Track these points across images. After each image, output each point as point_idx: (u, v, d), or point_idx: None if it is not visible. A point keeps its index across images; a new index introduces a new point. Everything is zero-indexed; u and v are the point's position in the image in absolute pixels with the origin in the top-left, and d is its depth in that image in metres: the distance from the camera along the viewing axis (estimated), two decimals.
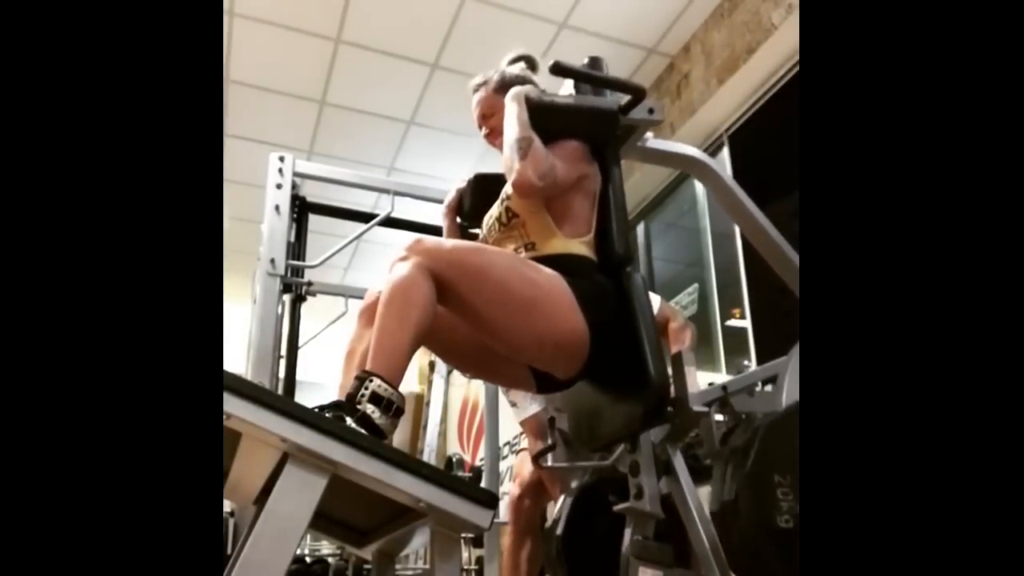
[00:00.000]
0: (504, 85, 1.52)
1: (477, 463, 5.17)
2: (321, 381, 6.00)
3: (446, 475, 1.00)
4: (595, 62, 1.48)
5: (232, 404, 0.86)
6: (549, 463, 1.89)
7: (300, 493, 0.88)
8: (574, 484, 1.85)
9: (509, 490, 2.56)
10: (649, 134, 1.53)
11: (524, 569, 2.30)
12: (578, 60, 1.48)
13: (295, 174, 2.61)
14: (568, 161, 1.38)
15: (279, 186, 2.54)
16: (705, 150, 3.61)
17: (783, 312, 2.82)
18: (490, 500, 0.98)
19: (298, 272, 2.82)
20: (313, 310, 3.01)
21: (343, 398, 1.09)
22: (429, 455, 4.10)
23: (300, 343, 2.94)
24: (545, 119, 1.39)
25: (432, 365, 4.45)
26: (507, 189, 1.43)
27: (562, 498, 1.85)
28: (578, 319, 1.24)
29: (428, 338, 1.23)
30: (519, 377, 1.40)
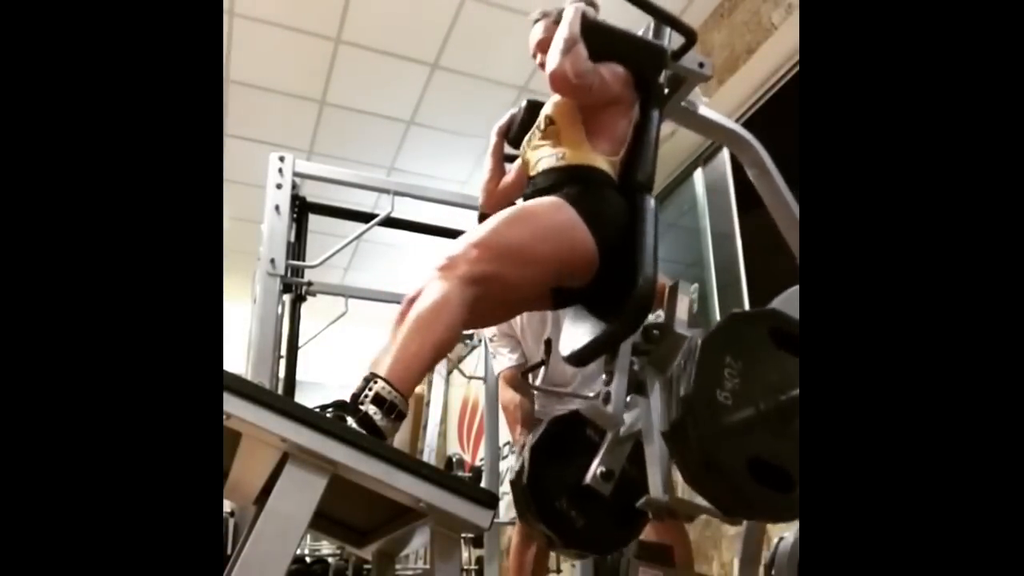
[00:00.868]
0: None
1: (477, 463, 5.17)
2: (321, 381, 6.00)
3: (446, 475, 1.00)
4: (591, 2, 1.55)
5: (232, 404, 0.86)
6: (539, 381, 1.89)
7: (300, 493, 0.88)
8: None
9: (509, 490, 2.56)
10: (704, 99, 1.57)
11: (528, 569, 2.30)
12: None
13: (295, 174, 2.61)
14: (608, 78, 1.45)
15: (279, 186, 2.54)
16: (705, 150, 3.62)
17: None
18: (490, 500, 0.98)
19: (298, 272, 2.82)
20: (313, 310, 3.01)
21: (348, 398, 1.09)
22: (429, 455, 4.10)
23: (300, 343, 2.94)
24: (597, 39, 1.45)
25: None
26: (549, 100, 1.52)
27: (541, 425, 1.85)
28: (588, 239, 1.32)
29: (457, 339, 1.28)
30: (541, 301, 1.47)
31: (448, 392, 6.11)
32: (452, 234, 3.20)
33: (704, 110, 1.63)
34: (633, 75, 1.49)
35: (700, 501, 1.22)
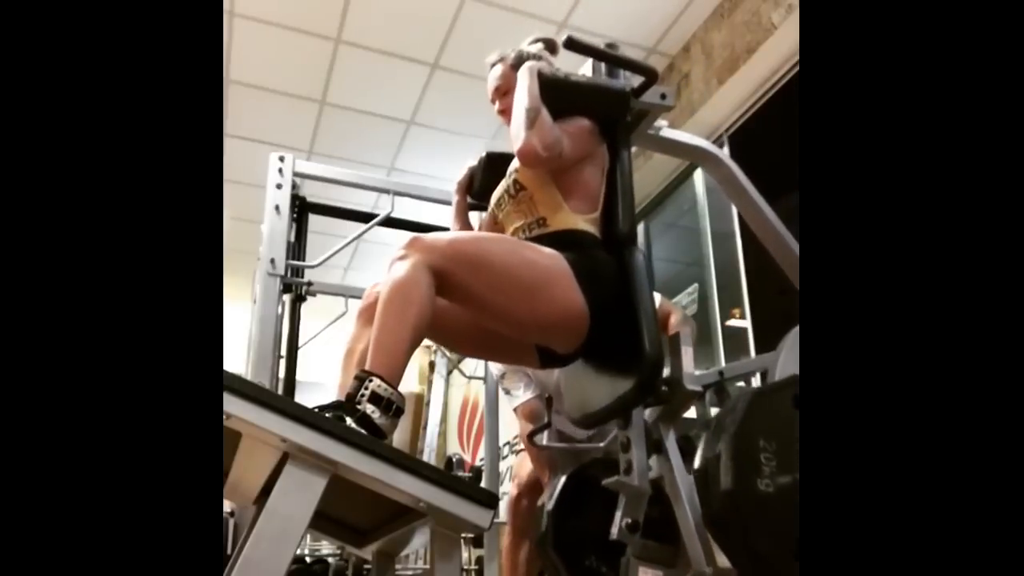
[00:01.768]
0: (521, 62, 1.53)
1: (477, 463, 5.17)
2: (321, 381, 5.99)
3: (446, 475, 1.00)
4: (611, 47, 1.49)
5: (232, 404, 0.86)
6: (544, 442, 1.88)
7: (300, 493, 0.88)
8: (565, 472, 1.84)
9: (508, 490, 2.56)
10: (663, 122, 1.54)
11: (522, 570, 2.30)
12: (578, 61, 1.48)
13: (295, 174, 2.61)
14: (576, 137, 1.40)
15: (279, 186, 2.54)
16: None
17: (783, 312, 2.81)
18: (490, 500, 0.98)
19: (298, 272, 2.82)
20: (313, 310, 3.01)
21: (343, 398, 1.09)
22: (429, 455, 4.11)
23: (300, 343, 2.94)
24: (556, 95, 1.41)
25: (432, 365, 4.45)
26: (515, 162, 1.45)
27: (557, 480, 1.85)
28: (577, 296, 1.26)
29: (430, 329, 1.24)
30: (522, 354, 1.43)
31: (448, 392, 6.11)
32: None
33: (669, 132, 1.59)
34: (598, 123, 1.45)
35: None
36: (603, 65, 1.53)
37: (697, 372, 1.36)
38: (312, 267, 2.76)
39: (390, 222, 2.86)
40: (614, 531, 1.34)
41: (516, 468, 2.64)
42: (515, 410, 2.47)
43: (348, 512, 1.34)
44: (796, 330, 1.62)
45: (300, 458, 0.89)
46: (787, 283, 1.66)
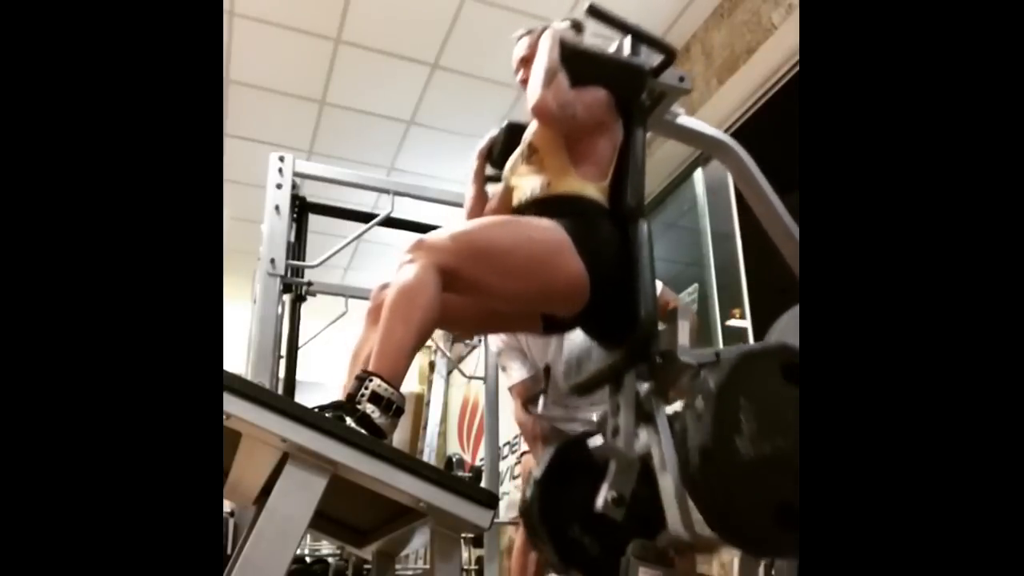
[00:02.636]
0: None
1: (477, 463, 5.17)
2: (321, 381, 5.99)
3: (446, 475, 1.00)
4: (577, 26, 1.55)
5: (232, 404, 0.86)
6: (540, 409, 1.89)
7: (300, 493, 0.88)
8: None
9: (509, 490, 2.56)
10: (680, 109, 1.56)
11: (532, 570, 2.30)
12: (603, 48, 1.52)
13: (295, 174, 2.61)
14: (591, 104, 1.43)
15: (279, 186, 2.54)
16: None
17: (783, 312, 2.81)
18: (490, 500, 0.98)
19: (298, 272, 2.82)
20: (313, 310, 3.01)
21: (344, 398, 1.09)
22: (429, 455, 4.11)
23: (300, 343, 2.94)
24: (576, 64, 1.44)
25: (432, 365, 4.45)
26: (530, 128, 1.49)
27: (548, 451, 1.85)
28: (577, 263, 1.29)
29: (437, 326, 1.26)
30: (527, 323, 1.46)
31: (448, 392, 6.11)
32: None
33: (686, 119, 1.61)
34: (615, 97, 1.47)
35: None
36: (626, 48, 1.56)
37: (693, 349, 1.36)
38: (312, 267, 2.76)
39: (390, 222, 2.86)
40: (599, 503, 1.35)
41: (524, 468, 2.65)
42: (509, 389, 2.49)
43: (348, 512, 1.34)
44: (794, 309, 1.61)
45: (300, 458, 0.89)
46: (787, 282, 1.66)
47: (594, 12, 1.37)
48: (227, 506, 2.26)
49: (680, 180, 3.85)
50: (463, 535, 1.25)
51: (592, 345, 1.40)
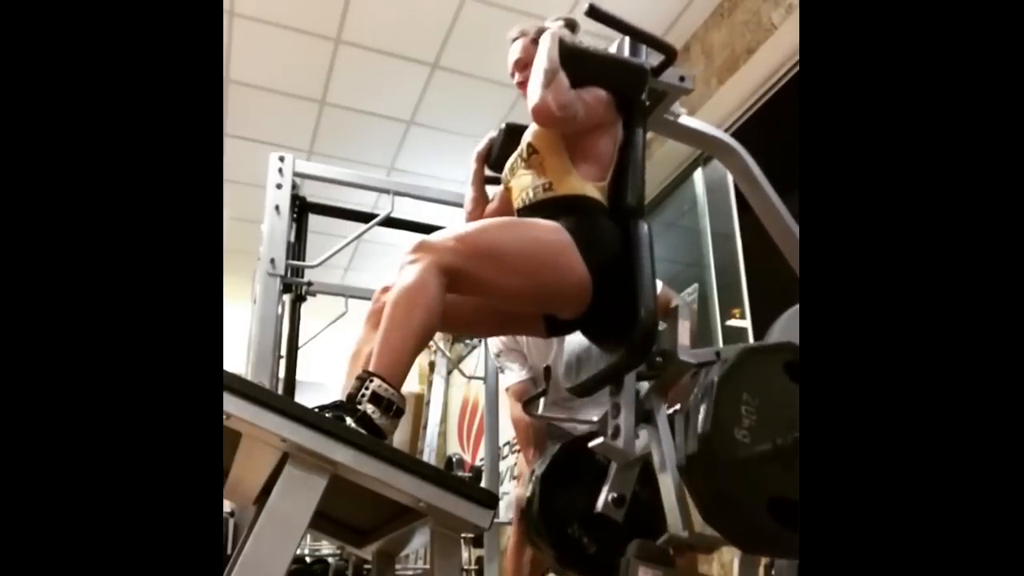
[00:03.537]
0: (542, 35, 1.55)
1: (477, 463, 5.17)
2: (321, 381, 5.99)
3: (446, 475, 1.00)
4: (571, 24, 1.55)
5: (232, 404, 0.86)
6: (540, 411, 1.89)
7: (300, 493, 0.88)
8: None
9: (510, 490, 2.56)
10: (682, 109, 1.56)
11: (526, 571, 2.30)
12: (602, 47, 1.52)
13: (295, 174, 2.61)
14: (591, 104, 1.43)
15: (279, 186, 2.54)
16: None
17: (783, 312, 2.81)
18: (490, 500, 0.98)
19: (298, 272, 2.82)
20: (313, 310, 3.01)
21: (344, 398, 1.09)
22: (429, 455, 4.10)
23: (300, 343, 2.93)
24: (576, 64, 1.43)
25: (432, 365, 4.45)
26: (530, 129, 1.49)
27: (552, 448, 1.85)
28: (580, 264, 1.29)
29: (440, 327, 1.26)
30: (530, 324, 1.45)
31: (448, 392, 6.10)
32: None
33: (687, 119, 1.61)
34: (615, 96, 1.47)
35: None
36: (626, 48, 1.56)
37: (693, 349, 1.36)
38: (312, 267, 2.76)
39: (390, 222, 2.86)
40: (599, 504, 1.35)
41: (520, 468, 2.65)
42: (506, 390, 2.49)
43: (348, 512, 1.34)
44: (794, 308, 1.61)
45: (300, 458, 0.89)
46: (788, 282, 1.66)
47: (594, 12, 1.37)
48: (227, 506, 2.26)
49: (680, 180, 3.85)
50: (463, 535, 1.25)
51: (591, 350, 1.40)
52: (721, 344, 3.39)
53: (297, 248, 2.87)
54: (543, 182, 1.42)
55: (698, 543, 1.25)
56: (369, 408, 1.05)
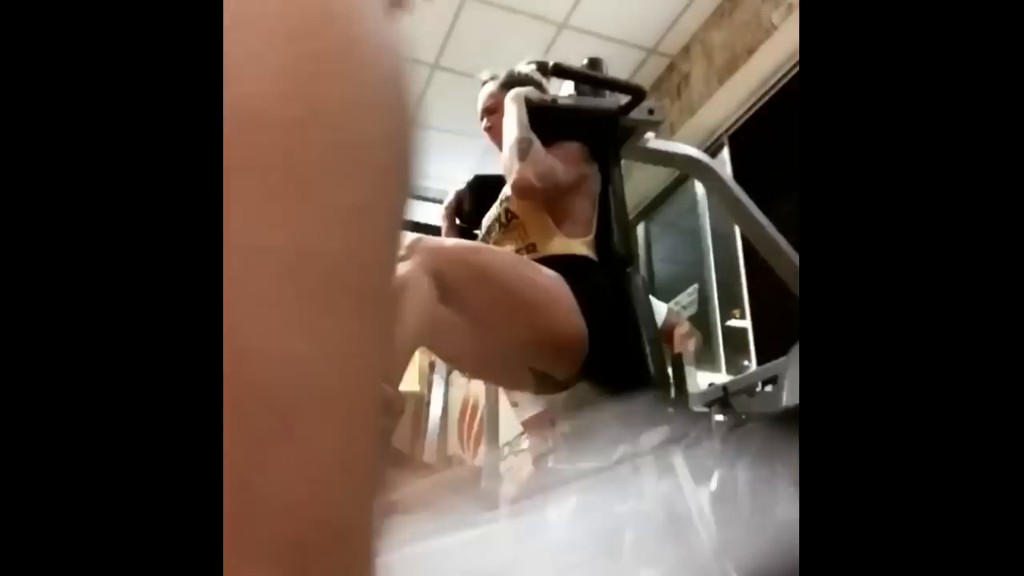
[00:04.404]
0: (511, 83, 1.53)
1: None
2: None
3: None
4: (594, 63, 1.49)
5: None
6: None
7: None
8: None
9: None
10: (650, 134, 1.55)
11: None
12: (578, 60, 1.49)
13: None
14: (568, 163, 1.40)
15: None
16: (705, 151, 3.61)
17: (783, 312, 2.82)
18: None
19: None
20: None
21: None
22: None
23: None
24: (545, 121, 1.41)
25: (432, 365, 4.45)
26: (506, 190, 1.44)
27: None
28: (577, 321, 1.25)
29: (428, 339, 1.23)
30: (518, 377, 1.41)
31: (448, 392, 6.09)
32: None
33: (656, 143, 1.60)
34: (588, 145, 1.45)
35: None
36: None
37: (700, 390, 1.36)
38: None
39: None
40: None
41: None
42: (523, 424, 2.48)
43: None
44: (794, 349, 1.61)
45: None
46: (787, 285, 1.66)
47: (558, 72, 1.36)
48: None
49: (680, 180, 3.85)
50: None
51: (601, 398, 1.38)
52: (722, 344, 3.39)
53: None
54: (526, 244, 1.39)
55: None
56: None
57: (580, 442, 1.49)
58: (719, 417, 1.54)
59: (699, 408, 1.29)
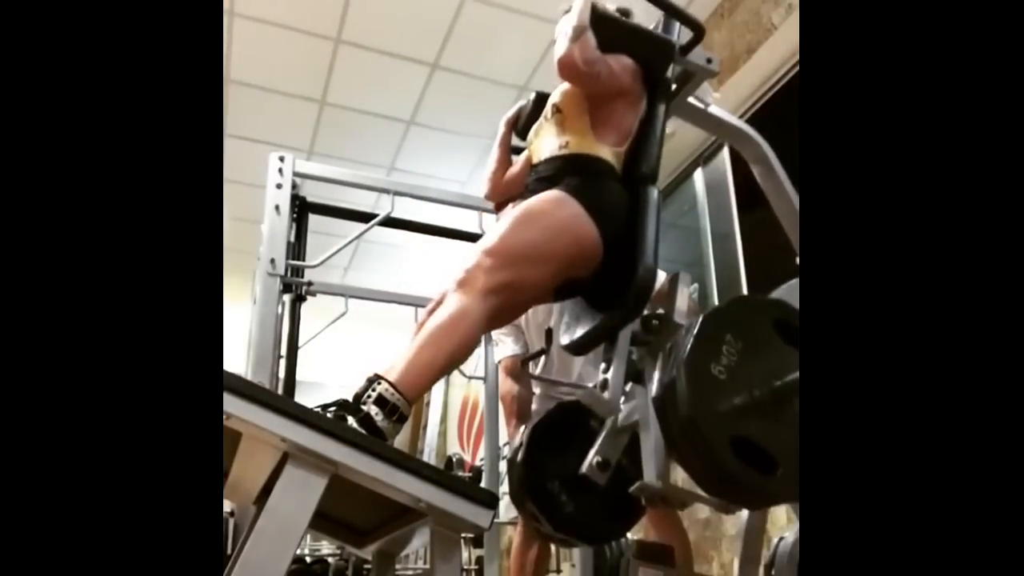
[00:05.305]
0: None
1: (477, 463, 5.17)
2: (321, 381, 5.99)
3: (446, 475, 1.00)
4: (625, 12, 1.55)
5: (232, 404, 0.86)
6: (538, 370, 1.88)
7: (300, 493, 0.88)
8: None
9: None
10: (711, 96, 1.57)
11: (530, 570, 2.30)
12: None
13: (295, 174, 2.61)
14: (616, 68, 1.45)
15: (279, 186, 2.54)
16: (706, 150, 3.62)
17: None
18: (490, 500, 0.97)
19: (298, 272, 2.82)
20: (313, 310, 3.01)
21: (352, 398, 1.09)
22: (429, 455, 4.11)
23: (300, 343, 2.93)
24: (606, 30, 1.45)
25: None
26: (556, 90, 1.53)
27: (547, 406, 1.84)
28: (592, 229, 1.32)
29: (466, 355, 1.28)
30: (545, 296, 1.46)
31: (448, 392, 6.10)
32: (452, 234, 3.21)
33: (713, 108, 1.63)
34: (641, 68, 1.50)
35: (696, 491, 1.22)
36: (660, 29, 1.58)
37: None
38: (312, 267, 2.76)
39: (390, 222, 2.86)
40: (584, 465, 1.34)
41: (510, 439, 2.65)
42: (498, 362, 2.50)
43: (348, 512, 1.34)
44: (794, 281, 1.62)
45: (300, 458, 0.89)
46: (788, 281, 1.66)
47: None
48: (227, 506, 2.26)
49: (680, 180, 3.85)
50: (463, 535, 1.25)
51: (591, 311, 1.41)
52: None
53: (297, 248, 2.87)
54: (561, 140, 1.46)
55: (671, 494, 1.26)
56: (372, 409, 1.05)
57: (565, 348, 1.51)
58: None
59: (681, 322, 1.33)
